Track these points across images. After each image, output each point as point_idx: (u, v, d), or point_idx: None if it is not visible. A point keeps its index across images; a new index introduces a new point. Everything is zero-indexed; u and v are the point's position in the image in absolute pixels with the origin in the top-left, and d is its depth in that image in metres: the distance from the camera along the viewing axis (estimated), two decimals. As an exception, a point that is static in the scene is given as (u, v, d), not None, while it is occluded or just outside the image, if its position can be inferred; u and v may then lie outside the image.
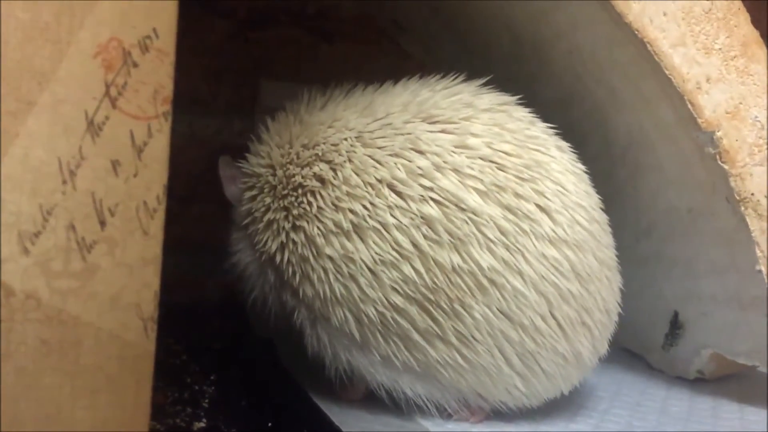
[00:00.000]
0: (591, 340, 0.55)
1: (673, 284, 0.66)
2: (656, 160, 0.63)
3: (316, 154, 0.54)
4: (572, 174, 0.55)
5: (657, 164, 0.63)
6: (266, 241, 0.55)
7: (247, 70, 0.82)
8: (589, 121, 0.66)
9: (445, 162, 0.52)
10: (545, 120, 0.57)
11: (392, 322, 0.51)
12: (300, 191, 0.53)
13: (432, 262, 0.51)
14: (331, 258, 0.52)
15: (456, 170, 0.52)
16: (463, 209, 0.51)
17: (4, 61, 0.39)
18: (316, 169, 0.53)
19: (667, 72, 0.56)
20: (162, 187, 0.42)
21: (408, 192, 0.51)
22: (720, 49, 0.57)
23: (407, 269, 0.51)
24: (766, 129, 0.57)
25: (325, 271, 0.52)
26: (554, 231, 0.52)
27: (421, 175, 0.52)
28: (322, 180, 0.53)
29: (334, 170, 0.53)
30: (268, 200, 0.55)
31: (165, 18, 0.41)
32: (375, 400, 0.56)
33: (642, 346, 0.71)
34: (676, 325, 0.67)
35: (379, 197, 0.51)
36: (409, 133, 0.53)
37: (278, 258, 0.54)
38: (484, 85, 0.57)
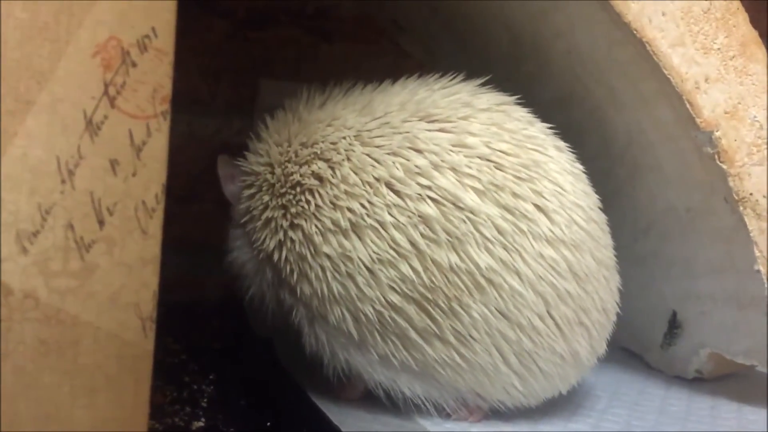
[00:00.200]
0: (589, 339, 0.55)
1: (672, 284, 0.66)
2: (655, 159, 0.63)
3: (315, 153, 0.54)
4: (570, 174, 0.55)
5: (656, 164, 0.63)
6: (264, 239, 0.55)
7: (246, 70, 0.82)
8: (588, 121, 0.66)
9: (443, 161, 0.52)
10: (544, 120, 0.57)
11: (390, 321, 0.51)
12: (298, 189, 0.53)
13: (430, 261, 0.51)
14: (328, 256, 0.52)
15: (454, 169, 0.52)
16: (460, 208, 0.51)
17: (3, 61, 0.39)
18: (314, 167, 0.53)
19: (665, 72, 0.56)
20: (161, 186, 0.42)
21: (406, 191, 0.51)
22: (719, 49, 0.57)
23: (405, 268, 0.51)
24: (764, 129, 0.57)
25: (323, 269, 0.52)
26: (552, 231, 0.52)
27: (418, 173, 0.52)
28: (320, 178, 0.53)
29: (333, 169, 0.53)
30: (266, 198, 0.55)
31: (164, 17, 0.41)
32: (374, 399, 0.56)
33: (640, 345, 0.71)
34: (674, 325, 0.67)
35: (377, 196, 0.51)
36: (407, 132, 0.53)
37: (276, 256, 0.54)
38: (483, 84, 0.57)
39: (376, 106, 0.55)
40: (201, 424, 0.55)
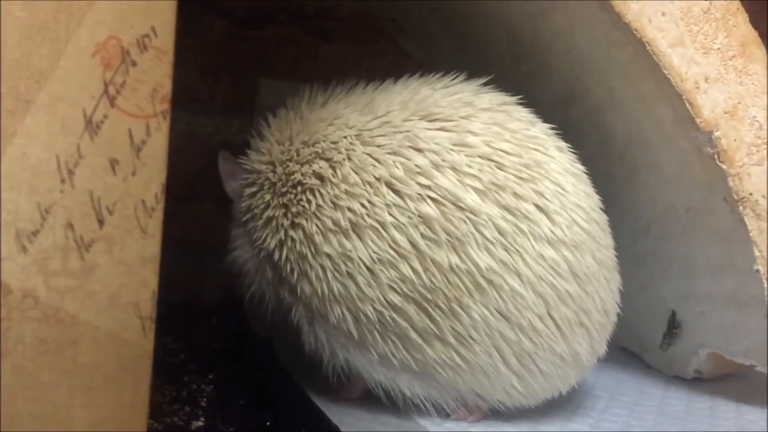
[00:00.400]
0: (589, 340, 0.55)
1: (671, 284, 0.66)
2: (655, 159, 0.63)
3: (316, 152, 0.54)
4: (571, 174, 0.55)
5: (655, 164, 0.63)
6: (265, 237, 0.55)
7: (245, 69, 0.82)
8: (587, 121, 0.66)
9: (443, 160, 0.52)
10: (544, 120, 0.57)
11: (390, 321, 0.51)
12: (299, 189, 0.53)
13: (430, 262, 0.51)
14: (329, 256, 0.52)
15: (454, 169, 0.52)
16: (461, 208, 0.51)
17: (3, 60, 0.39)
18: (315, 166, 0.53)
19: (665, 72, 0.56)
20: (160, 185, 0.42)
21: (406, 190, 0.51)
22: (718, 49, 0.57)
23: (405, 268, 0.51)
24: (764, 129, 0.57)
25: (323, 269, 0.52)
26: (553, 232, 0.52)
27: (419, 173, 0.52)
28: (321, 178, 0.53)
29: (334, 168, 0.53)
30: (267, 197, 0.55)
31: (164, 17, 0.41)
32: (373, 398, 0.56)
33: (640, 345, 0.71)
34: (673, 325, 0.67)
35: (377, 196, 0.51)
36: (408, 131, 0.53)
37: (276, 255, 0.54)
38: (483, 84, 0.57)
39: (378, 105, 0.55)
40: (200, 423, 0.55)
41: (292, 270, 0.53)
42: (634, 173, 0.66)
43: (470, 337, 0.52)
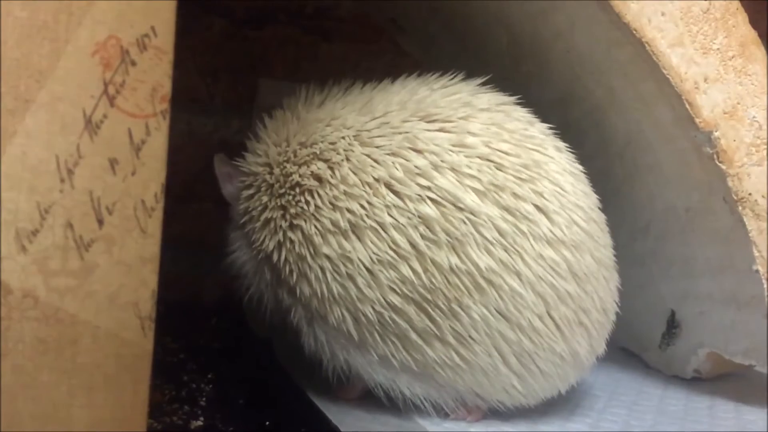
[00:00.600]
0: (588, 339, 0.55)
1: (670, 283, 0.66)
2: (654, 159, 0.63)
3: (314, 153, 0.54)
4: (570, 174, 0.55)
5: (655, 164, 0.63)
6: (263, 239, 0.54)
7: (245, 69, 0.82)
8: (587, 121, 0.66)
9: (443, 161, 0.52)
10: (543, 120, 0.57)
11: (390, 321, 0.51)
12: (297, 190, 0.53)
13: (429, 262, 0.51)
14: (328, 257, 0.52)
15: (454, 169, 0.52)
16: (460, 209, 0.51)
17: (3, 60, 0.39)
18: (313, 167, 0.53)
19: (665, 72, 0.56)
20: (160, 185, 0.42)
21: (405, 191, 0.51)
22: (718, 49, 0.57)
23: (405, 269, 0.51)
24: (764, 129, 0.57)
25: (323, 270, 0.52)
26: (552, 232, 0.52)
27: (418, 174, 0.52)
28: (319, 179, 0.53)
29: (332, 169, 0.53)
30: (265, 199, 0.55)
31: (163, 16, 0.41)
32: (373, 398, 0.56)
33: (639, 345, 0.71)
34: (673, 325, 0.67)
35: (376, 196, 0.51)
36: (407, 132, 0.53)
37: (275, 256, 0.54)
38: (482, 84, 0.57)
39: (376, 106, 0.55)
40: (200, 423, 0.55)
41: (291, 271, 0.53)
42: (633, 173, 0.66)
43: (470, 337, 0.52)
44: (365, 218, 0.51)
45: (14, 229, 0.40)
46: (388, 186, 0.52)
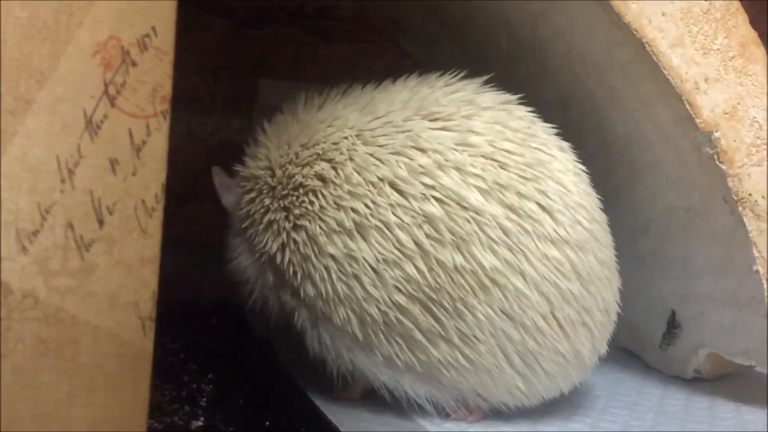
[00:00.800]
0: (591, 339, 0.55)
1: (671, 284, 0.66)
2: (654, 159, 0.63)
3: (317, 153, 0.54)
4: (573, 174, 0.55)
5: (655, 164, 0.63)
6: (266, 241, 0.54)
7: (245, 69, 0.82)
8: (587, 121, 0.66)
9: (447, 160, 0.52)
10: (544, 120, 0.57)
11: (395, 321, 0.51)
12: (301, 191, 0.53)
13: (434, 261, 0.51)
14: (333, 257, 0.52)
15: (458, 168, 0.52)
16: (465, 208, 0.51)
17: (3, 60, 0.39)
18: (317, 168, 0.53)
19: (665, 72, 0.56)
20: (160, 185, 0.42)
21: (410, 190, 0.51)
22: (718, 49, 0.57)
23: (410, 268, 0.51)
24: (764, 129, 0.57)
25: (328, 270, 0.52)
26: (556, 231, 0.52)
27: (422, 173, 0.52)
28: (323, 179, 0.53)
29: (336, 169, 0.52)
30: (267, 201, 0.55)
31: (164, 17, 0.41)
32: (373, 399, 0.56)
33: (639, 345, 0.71)
34: (673, 325, 0.67)
35: (380, 196, 0.51)
36: (410, 131, 0.53)
37: (279, 258, 0.54)
38: (483, 84, 0.57)
39: (378, 105, 0.55)
40: (200, 423, 0.55)
41: (295, 272, 0.53)
42: (633, 173, 0.66)
43: (475, 337, 0.52)
44: (370, 217, 0.51)
45: (15, 229, 0.40)
46: (393, 185, 0.52)
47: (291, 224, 0.53)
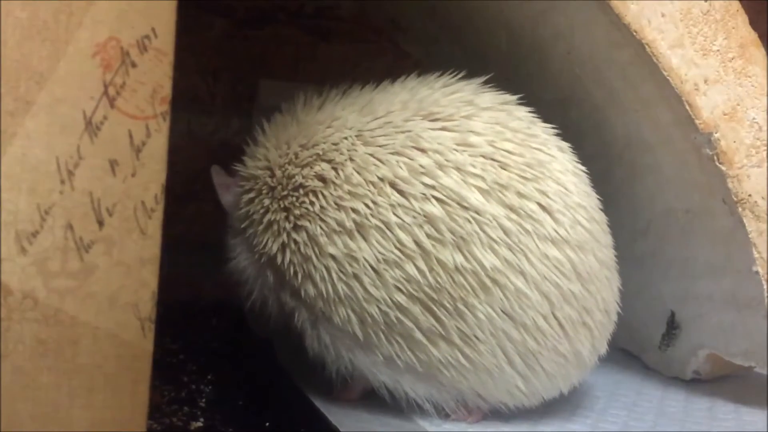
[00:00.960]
0: (591, 340, 0.55)
1: (670, 284, 0.66)
2: (654, 160, 0.63)
3: (317, 154, 0.54)
4: (573, 174, 0.55)
5: (654, 165, 0.63)
6: (266, 242, 0.54)
7: (245, 69, 0.82)
8: (586, 122, 0.66)
9: (447, 160, 0.52)
10: (543, 120, 0.57)
11: (395, 321, 0.51)
12: (301, 191, 0.53)
13: (435, 261, 0.51)
14: (334, 257, 0.52)
15: (458, 168, 0.52)
16: (465, 208, 0.51)
17: (2, 61, 0.39)
18: (317, 168, 0.53)
19: (665, 73, 0.56)
20: (160, 187, 0.42)
21: (410, 190, 0.51)
22: (718, 50, 0.57)
23: (410, 268, 0.51)
24: (763, 131, 0.57)
25: (328, 270, 0.52)
26: (556, 231, 0.52)
27: (423, 173, 0.52)
28: (323, 179, 0.53)
29: (336, 169, 0.53)
30: (266, 202, 0.55)
31: (164, 18, 0.41)
32: (373, 399, 0.56)
33: (638, 346, 0.71)
34: (672, 326, 0.67)
35: (381, 196, 0.51)
36: (410, 131, 0.53)
37: (279, 259, 0.54)
38: (483, 84, 0.57)
39: (377, 106, 0.55)
40: (199, 424, 0.55)
41: (295, 273, 0.53)
42: (633, 174, 0.66)
43: (475, 336, 0.52)
44: (370, 218, 0.51)
45: (14, 230, 0.40)
46: (393, 185, 0.52)
47: (291, 225, 0.53)
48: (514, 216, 0.51)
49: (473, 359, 0.52)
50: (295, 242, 0.53)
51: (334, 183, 0.52)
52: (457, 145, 0.52)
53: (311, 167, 0.53)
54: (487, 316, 0.51)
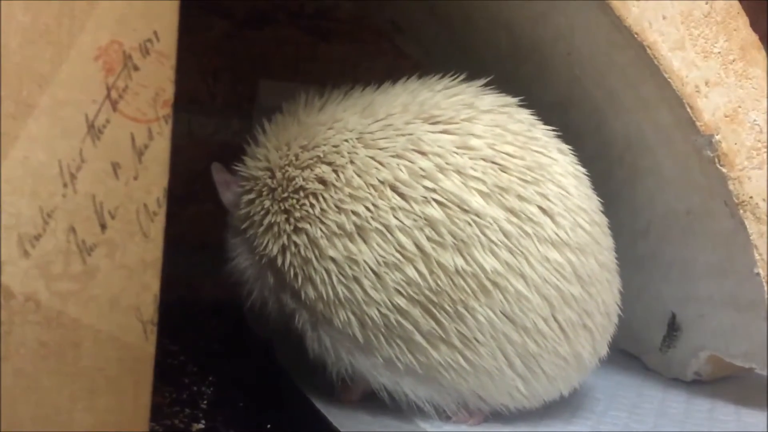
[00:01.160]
0: (591, 342, 0.55)
1: (671, 286, 0.67)
2: (654, 162, 0.63)
3: (317, 156, 0.54)
4: (573, 177, 0.55)
5: (655, 167, 0.63)
6: (266, 244, 0.54)
7: (245, 70, 0.82)
8: (587, 124, 0.66)
9: (447, 163, 0.52)
10: (544, 122, 0.57)
11: (395, 324, 0.51)
12: (302, 193, 0.53)
13: (435, 264, 0.51)
14: (334, 260, 0.52)
15: (459, 171, 0.52)
16: (466, 211, 0.51)
17: (5, 64, 0.39)
18: (317, 171, 0.53)
19: (666, 75, 0.56)
20: (162, 189, 0.42)
21: (411, 193, 0.51)
22: (719, 52, 0.57)
23: (411, 271, 0.51)
24: (764, 132, 0.57)
25: (328, 272, 0.52)
26: (557, 234, 0.52)
27: (423, 176, 0.52)
28: (324, 182, 0.53)
29: (336, 172, 0.53)
30: (267, 203, 0.55)
31: (166, 21, 0.41)
32: (373, 401, 0.56)
33: (639, 347, 0.71)
34: (673, 327, 0.67)
35: (381, 199, 0.51)
36: (411, 134, 0.53)
37: (279, 260, 0.54)
38: (483, 86, 0.57)
39: (378, 108, 0.55)
40: (201, 425, 0.55)
41: (295, 275, 0.53)
42: (633, 176, 0.66)
43: (475, 339, 0.52)
44: (371, 220, 0.51)
45: (16, 233, 0.40)
46: (394, 188, 0.52)
47: (292, 227, 0.53)
48: (514, 219, 0.52)
49: (473, 362, 0.52)
50: (296, 245, 0.53)
51: (334, 186, 0.52)
52: (458, 148, 0.52)
53: (312, 169, 0.53)
54: (488, 318, 0.51)
